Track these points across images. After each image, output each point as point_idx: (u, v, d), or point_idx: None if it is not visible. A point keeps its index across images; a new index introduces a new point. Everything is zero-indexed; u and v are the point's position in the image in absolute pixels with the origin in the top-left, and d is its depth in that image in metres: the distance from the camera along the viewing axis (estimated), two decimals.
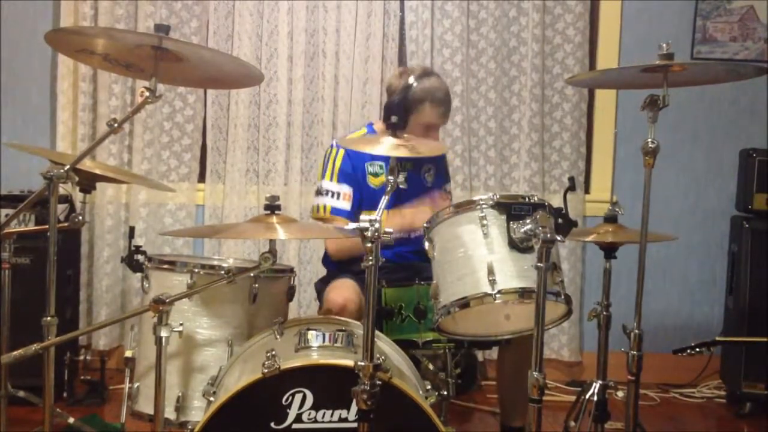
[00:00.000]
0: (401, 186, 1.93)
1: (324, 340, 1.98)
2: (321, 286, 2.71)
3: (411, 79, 2.62)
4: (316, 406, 1.82)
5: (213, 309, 2.20)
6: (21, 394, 2.55)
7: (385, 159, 2.60)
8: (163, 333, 1.90)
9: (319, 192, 2.66)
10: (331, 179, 2.64)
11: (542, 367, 1.67)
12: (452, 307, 1.92)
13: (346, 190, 2.63)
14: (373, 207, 2.10)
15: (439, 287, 1.97)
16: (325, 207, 2.63)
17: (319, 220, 2.65)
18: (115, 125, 1.95)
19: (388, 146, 2.04)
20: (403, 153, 2.04)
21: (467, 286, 1.90)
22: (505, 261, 1.89)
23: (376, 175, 2.68)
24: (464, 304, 1.90)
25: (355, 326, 2.11)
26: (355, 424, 1.74)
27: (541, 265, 1.65)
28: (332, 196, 2.63)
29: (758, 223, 3.44)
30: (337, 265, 2.70)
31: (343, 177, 2.64)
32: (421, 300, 2.23)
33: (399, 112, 2.55)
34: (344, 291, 2.45)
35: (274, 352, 1.82)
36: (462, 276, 1.92)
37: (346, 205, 2.62)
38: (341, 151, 2.66)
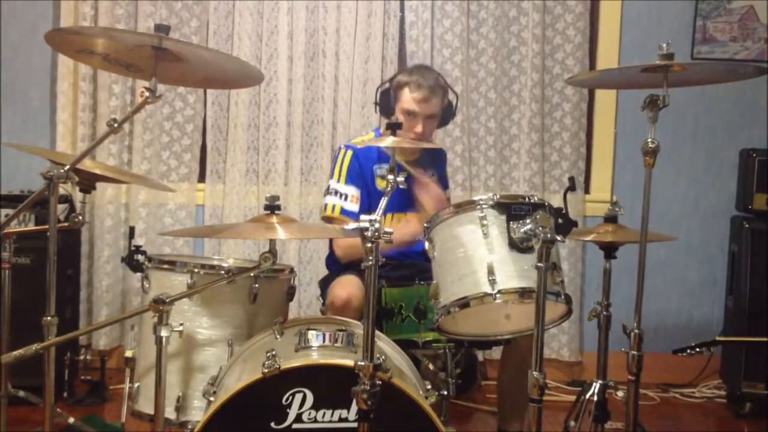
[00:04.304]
0: (401, 186, 1.93)
1: (324, 340, 1.98)
2: (325, 284, 2.72)
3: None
4: (316, 406, 1.82)
5: (213, 309, 2.20)
6: (21, 394, 2.56)
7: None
8: (163, 333, 1.90)
9: (328, 191, 2.70)
10: (339, 180, 2.68)
11: (542, 366, 1.67)
12: (452, 307, 1.93)
13: (353, 192, 2.66)
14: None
15: (439, 287, 1.98)
16: (334, 207, 2.65)
17: (329, 219, 2.66)
18: (115, 125, 1.95)
19: (395, 140, 2.03)
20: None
21: (467, 286, 1.91)
22: (505, 261, 1.89)
23: (383, 177, 2.67)
24: (464, 304, 1.91)
25: (355, 326, 2.11)
26: (355, 424, 1.74)
27: (541, 265, 1.65)
28: (340, 197, 2.66)
29: (758, 223, 3.44)
30: (341, 265, 2.69)
31: (350, 178, 2.66)
32: (421, 300, 2.23)
33: (386, 101, 2.62)
34: (349, 286, 2.46)
35: (274, 352, 1.82)
36: (462, 276, 1.93)
37: (354, 207, 2.64)
38: (349, 152, 2.69)
